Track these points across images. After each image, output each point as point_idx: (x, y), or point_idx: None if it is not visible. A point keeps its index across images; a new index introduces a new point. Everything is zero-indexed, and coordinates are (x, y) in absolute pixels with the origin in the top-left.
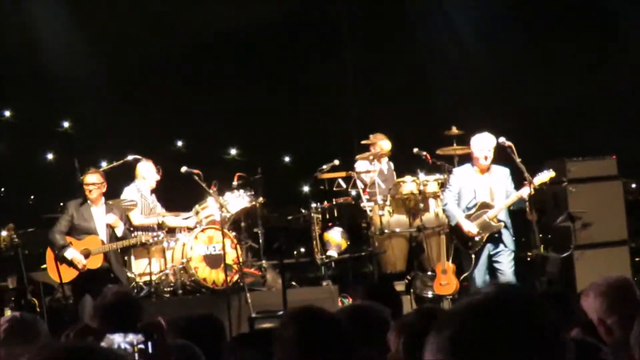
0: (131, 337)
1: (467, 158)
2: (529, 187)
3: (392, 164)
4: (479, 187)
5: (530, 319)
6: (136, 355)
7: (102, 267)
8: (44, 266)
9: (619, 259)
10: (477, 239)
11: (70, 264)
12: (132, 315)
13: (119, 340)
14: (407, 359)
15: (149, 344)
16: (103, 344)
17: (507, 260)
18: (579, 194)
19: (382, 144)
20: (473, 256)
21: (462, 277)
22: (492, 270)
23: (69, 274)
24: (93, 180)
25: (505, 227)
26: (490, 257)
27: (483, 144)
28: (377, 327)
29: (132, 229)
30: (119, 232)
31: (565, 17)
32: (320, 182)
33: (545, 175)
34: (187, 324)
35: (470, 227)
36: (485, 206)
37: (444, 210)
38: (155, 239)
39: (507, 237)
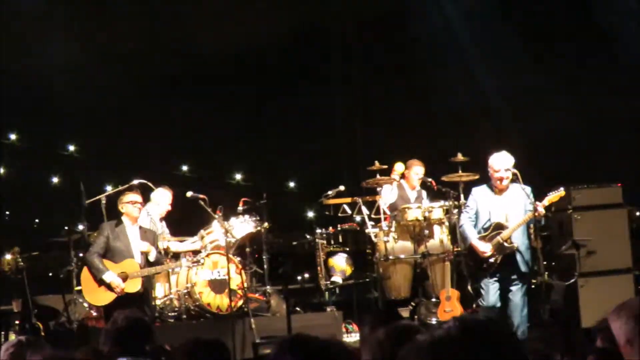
0: None
1: (473, 184)
2: (541, 207)
3: (423, 192)
4: (495, 207)
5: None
6: None
7: (138, 292)
8: (78, 288)
9: (624, 287)
10: (491, 260)
11: (108, 287)
12: (142, 339)
13: None
14: None
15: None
16: None
17: (518, 290)
18: (583, 221)
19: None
20: (488, 279)
21: (476, 302)
22: (503, 296)
23: (104, 298)
24: (139, 199)
25: (518, 250)
26: (502, 282)
27: (499, 163)
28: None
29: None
30: (152, 257)
31: (572, 39)
32: (325, 207)
33: (556, 195)
34: (195, 347)
35: (484, 248)
36: (499, 227)
37: (460, 233)
38: (194, 264)
39: (521, 262)
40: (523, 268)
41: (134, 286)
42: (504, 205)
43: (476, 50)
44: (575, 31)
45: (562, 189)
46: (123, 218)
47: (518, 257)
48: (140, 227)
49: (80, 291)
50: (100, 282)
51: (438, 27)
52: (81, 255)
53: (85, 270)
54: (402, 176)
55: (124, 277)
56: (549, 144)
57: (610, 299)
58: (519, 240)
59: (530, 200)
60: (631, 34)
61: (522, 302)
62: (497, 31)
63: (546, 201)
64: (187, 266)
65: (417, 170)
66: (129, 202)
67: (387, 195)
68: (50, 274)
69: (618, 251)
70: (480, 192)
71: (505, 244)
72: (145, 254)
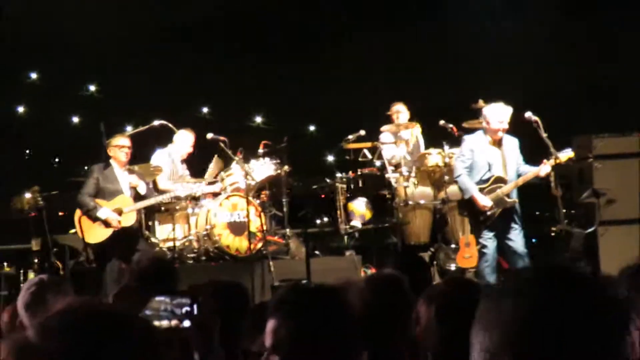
0: (178, 299)
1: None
2: (548, 165)
3: (419, 136)
4: (493, 159)
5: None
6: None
7: (133, 227)
8: (72, 230)
9: None
10: (489, 213)
11: (104, 224)
12: (170, 280)
13: (166, 302)
14: (441, 329)
15: (194, 306)
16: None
17: (519, 238)
18: (604, 170)
19: (400, 114)
20: (487, 231)
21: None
22: (501, 247)
23: (100, 235)
24: (127, 143)
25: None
26: (501, 233)
27: (501, 114)
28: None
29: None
30: (142, 190)
31: None
32: (345, 152)
33: (565, 156)
34: (214, 289)
35: (486, 202)
36: (499, 180)
37: (456, 182)
38: (190, 193)
39: (518, 214)
40: (518, 218)
41: (128, 220)
42: (501, 157)
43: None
44: None
45: (570, 150)
46: (111, 161)
47: (516, 208)
48: (129, 169)
49: (74, 233)
50: (95, 220)
51: None
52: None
53: (78, 211)
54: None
55: (119, 212)
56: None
57: (630, 248)
58: (514, 193)
59: (519, 153)
60: None
61: (524, 246)
62: None
63: (554, 160)
64: (180, 198)
65: (395, 109)
66: (117, 147)
67: (389, 152)
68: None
69: (638, 200)
70: (476, 142)
71: (506, 199)
72: (134, 190)
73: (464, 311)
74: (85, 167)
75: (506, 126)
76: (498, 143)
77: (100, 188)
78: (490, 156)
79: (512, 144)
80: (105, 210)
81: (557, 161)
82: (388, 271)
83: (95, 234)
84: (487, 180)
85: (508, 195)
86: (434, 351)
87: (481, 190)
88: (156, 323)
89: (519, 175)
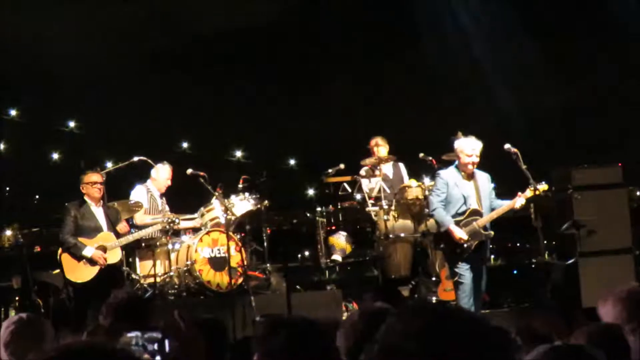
0: (149, 334)
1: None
2: (522, 198)
3: (401, 166)
4: (468, 192)
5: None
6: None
7: (117, 264)
8: (57, 271)
9: (624, 267)
10: (465, 246)
11: (89, 262)
12: (144, 315)
13: (138, 337)
14: None
15: (166, 341)
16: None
17: (484, 272)
18: (584, 201)
19: (379, 148)
20: (463, 263)
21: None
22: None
23: (86, 274)
24: (98, 179)
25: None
26: (473, 265)
27: (472, 148)
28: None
29: (134, 230)
30: (122, 229)
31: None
32: (325, 185)
33: (539, 188)
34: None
35: (462, 234)
36: (475, 213)
37: (431, 216)
38: (171, 225)
39: (488, 247)
40: (488, 252)
41: (114, 256)
42: (475, 190)
43: (477, 29)
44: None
45: (544, 183)
46: (85, 198)
47: (487, 242)
48: (104, 206)
49: (61, 273)
50: (80, 258)
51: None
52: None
53: (60, 251)
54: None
55: (103, 250)
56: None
57: (611, 279)
58: (489, 228)
59: (491, 187)
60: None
61: (485, 284)
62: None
63: (529, 192)
64: (162, 228)
65: (374, 142)
66: (89, 183)
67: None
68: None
69: (618, 231)
70: (450, 176)
71: (482, 231)
72: (113, 227)
73: None
74: (66, 204)
75: (476, 160)
76: (471, 176)
77: (78, 226)
78: (464, 189)
79: (484, 178)
80: (89, 248)
81: (536, 192)
82: (379, 304)
83: (81, 273)
84: (463, 213)
85: (484, 228)
86: None
87: (457, 222)
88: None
89: (492, 209)
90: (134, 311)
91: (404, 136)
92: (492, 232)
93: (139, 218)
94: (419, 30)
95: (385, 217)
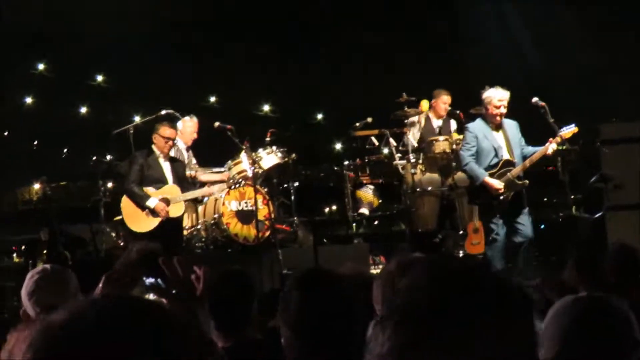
0: (155, 282)
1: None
2: (552, 145)
3: (452, 122)
4: (498, 143)
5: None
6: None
7: (179, 218)
8: (117, 217)
9: None
10: (502, 197)
11: (151, 213)
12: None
13: (146, 285)
14: None
15: (159, 280)
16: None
17: (528, 222)
18: (611, 155)
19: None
20: (496, 218)
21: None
22: (509, 231)
23: (146, 225)
24: (171, 134)
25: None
26: (511, 217)
27: (500, 98)
28: None
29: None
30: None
31: None
32: (353, 139)
33: (569, 131)
34: (219, 278)
35: (499, 185)
36: (508, 164)
37: (464, 171)
38: (237, 186)
39: (525, 197)
40: (525, 202)
41: (177, 210)
42: (505, 141)
43: None
44: None
45: (574, 125)
46: (154, 148)
47: (524, 192)
48: (171, 159)
49: (121, 221)
50: (143, 209)
51: None
52: (110, 185)
53: (124, 199)
54: (430, 107)
55: (167, 202)
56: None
57: (638, 233)
58: (522, 178)
59: (520, 134)
60: None
61: (532, 231)
62: None
63: (559, 137)
64: (230, 187)
65: (445, 99)
66: (162, 137)
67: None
68: (78, 204)
69: None
70: (478, 128)
71: (517, 181)
72: (179, 180)
73: None
74: (93, 157)
75: (504, 110)
76: (499, 127)
77: (144, 175)
78: (494, 141)
79: (512, 126)
80: (153, 200)
81: (564, 136)
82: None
83: (142, 223)
84: (496, 164)
85: (518, 178)
86: None
87: (491, 175)
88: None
89: (524, 157)
90: (147, 266)
91: (431, 90)
92: (527, 181)
93: (204, 176)
94: None
95: (412, 170)
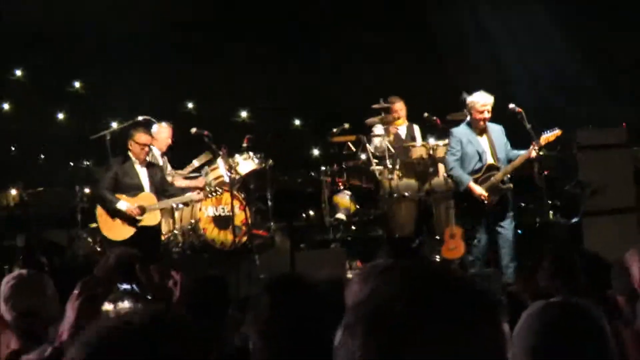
0: (130, 289)
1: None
2: (535, 149)
3: (416, 128)
4: (482, 148)
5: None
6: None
7: (156, 227)
8: (93, 225)
9: (627, 226)
10: (487, 202)
11: (125, 220)
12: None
13: (123, 292)
14: None
15: (133, 286)
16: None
17: (511, 227)
18: (588, 161)
19: (402, 112)
20: (480, 224)
21: (471, 240)
22: (492, 233)
23: (122, 233)
24: (146, 140)
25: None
26: (494, 221)
27: (484, 102)
28: None
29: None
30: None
31: None
32: (330, 145)
33: (552, 134)
34: (196, 283)
35: (481, 191)
36: (492, 168)
37: (449, 176)
38: (215, 194)
39: (511, 202)
40: (511, 206)
41: (153, 219)
42: (489, 145)
43: None
44: None
45: (557, 129)
46: (130, 155)
47: (509, 196)
48: (148, 165)
49: (97, 229)
50: (115, 215)
51: None
52: (87, 191)
53: (99, 207)
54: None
55: (142, 210)
56: (552, 83)
57: (615, 238)
58: (508, 180)
59: (505, 138)
60: None
61: (513, 237)
62: None
63: (542, 140)
64: (207, 195)
65: (397, 106)
66: (138, 143)
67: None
68: (55, 210)
69: (622, 191)
70: (462, 133)
71: (501, 185)
72: (156, 187)
73: None
74: (71, 164)
75: (488, 115)
76: (484, 131)
77: (120, 184)
78: (478, 145)
79: (497, 131)
80: (122, 202)
81: (548, 139)
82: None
83: (117, 231)
84: (480, 169)
85: (502, 182)
86: None
87: (475, 180)
88: (120, 304)
89: (509, 161)
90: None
91: (408, 95)
92: (512, 185)
93: (180, 182)
94: None
95: (389, 176)
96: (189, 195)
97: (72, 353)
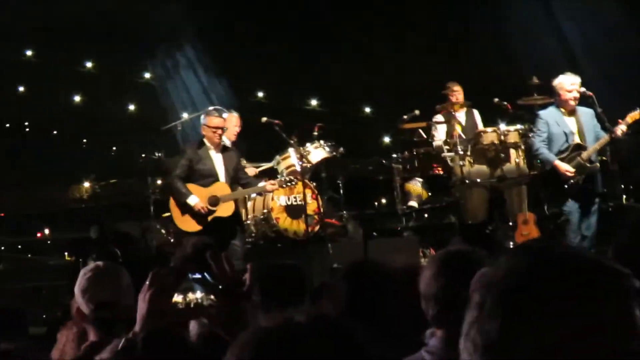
0: (201, 278)
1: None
2: (624, 125)
3: (476, 113)
4: (569, 129)
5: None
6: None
7: (231, 217)
8: (166, 214)
9: None
10: (572, 181)
11: (195, 213)
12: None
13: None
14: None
15: (205, 274)
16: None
17: (595, 209)
18: None
19: (456, 94)
20: (568, 202)
21: (560, 220)
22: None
23: (195, 224)
24: (220, 124)
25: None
26: (583, 203)
27: (571, 83)
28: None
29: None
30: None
31: None
32: (401, 132)
33: (637, 112)
34: (272, 272)
35: (567, 167)
36: (578, 147)
37: (535, 156)
38: (288, 183)
39: (599, 182)
40: (600, 188)
41: (226, 210)
42: (577, 126)
43: None
44: None
45: (638, 109)
46: (205, 140)
47: (597, 177)
48: (224, 149)
49: (170, 219)
50: (185, 208)
51: None
52: (159, 182)
53: (172, 198)
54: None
55: (216, 201)
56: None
57: None
58: (594, 159)
59: (596, 122)
60: None
61: (596, 222)
62: None
63: (629, 118)
64: (282, 185)
65: (456, 88)
66: (210, 127)
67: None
68: (127, 201)
69: None
70: (550, 115)
71: (587, 164)
72: (231, 174)
73: None
74: (142, 155)
75: (577, 95)
76: (572, 112)
77: (194, 170)
78: (565, 126)
79: (587, 114)
80: (193, 197)
81: (634, 118)
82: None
83: (190, 223)
84: (566, 149)
85: (589, 161)
86: None
87: (562, 160)
88: (190, 295)
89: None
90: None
91: (478, 81)
92: (598, 165)
93: (251, 171)
94: None
95: (460, 162)
96: (263, 186)
97: (235, 353)
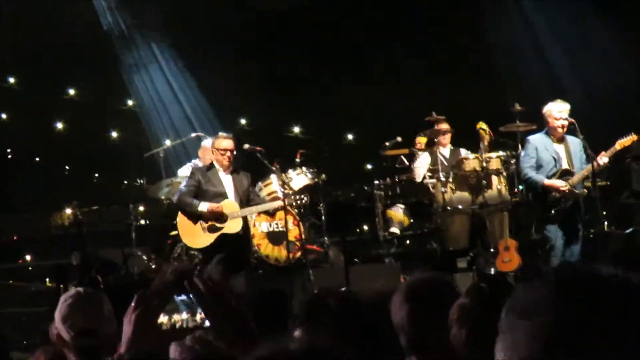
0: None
1: (530, 134)
2: (605, 157)
3: (462, 151)
4: (558, 154)
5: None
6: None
7: (238, 234)
8: (173, 232)
9: None
10: (561, 205)
11: (208, 229)
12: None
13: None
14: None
15: (190, 296)
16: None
17: (579, 236)
18: None
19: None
20: (555, 226)
21: (547, 246)
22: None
23: (203, 240)
24: (229, 146)
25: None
26: (567, 229)
27: (558, 111)
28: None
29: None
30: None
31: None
32: (383, 159)
33: (627, 139)
34: (259, 297)
35: (561, 183)
36: (566, 173)
37: (525, 181)
38: (298, 202)
39: (584, 210)
40: (583, 214)
41: (234, 226)
42: (566, 152)
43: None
44: None
45: (632, 134)
46: (214, 163)
47: (581, 204)
48: (233, 172)
49: (177, 236)
50: (196, 222)
51: None
52: (141, 209)
53: (180, 214)
54: (431, 143)
55: (224, 218)
56: (607, 94)
57: None
58: (580, 187)
59: (583, 152)
60: None
61: (579, 250)
62: None
63: (618, 145)
64: (291, 204)
65: (445, 127)
66: (218, 149)
67: (420, 170)
68: (109, 228)
69: None
70: (539, 141)
71: (575, 190)
72: (241, 196)
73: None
74: (125, 182)
75: (565, 123)
76: (561, 140)
77: (202, 190)
78: (554, 152)
79: (575, 143)
80: (204, 204)
81: (623, 145)
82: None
83: (199, 239)
84: (554, 174)
85: (576, 187)
86: None
87: None
88: (176, 316)
89: None
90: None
91: (460, 107)
92: (585, 191)
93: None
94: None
95: (442, 189)
96: (271, 203)
97: None
